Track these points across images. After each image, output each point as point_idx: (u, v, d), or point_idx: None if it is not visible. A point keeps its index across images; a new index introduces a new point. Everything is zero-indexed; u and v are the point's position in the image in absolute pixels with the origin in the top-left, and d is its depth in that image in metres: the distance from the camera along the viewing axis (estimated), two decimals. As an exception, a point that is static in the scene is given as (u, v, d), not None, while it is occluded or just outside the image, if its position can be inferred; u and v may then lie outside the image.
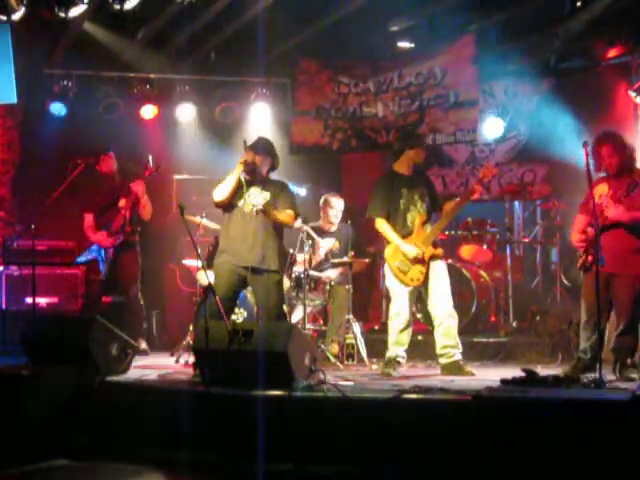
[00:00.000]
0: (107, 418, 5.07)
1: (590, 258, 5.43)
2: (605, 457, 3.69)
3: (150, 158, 7.07)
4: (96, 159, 7.31)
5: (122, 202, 7.19)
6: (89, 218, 7.32)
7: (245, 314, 7.15)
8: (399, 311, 5.97)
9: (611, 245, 5.30)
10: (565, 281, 7.88)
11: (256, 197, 5.73)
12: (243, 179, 5.70)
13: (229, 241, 5.78)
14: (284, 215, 5.77)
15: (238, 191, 5.76)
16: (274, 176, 6.03)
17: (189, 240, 5.34)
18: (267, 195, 5.77)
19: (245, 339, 4.87)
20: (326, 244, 7.29)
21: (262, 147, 5.89)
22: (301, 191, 8.93)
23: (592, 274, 5.48)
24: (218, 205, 5.84)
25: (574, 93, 8.52)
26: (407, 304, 5.98)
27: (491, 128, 8.49)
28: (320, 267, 7.20)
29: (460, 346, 5.93)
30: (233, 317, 6.82)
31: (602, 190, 5.56)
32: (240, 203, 5.76)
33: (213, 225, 7.06)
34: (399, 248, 5.93)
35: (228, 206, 5.80)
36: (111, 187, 7.36)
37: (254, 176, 5.79)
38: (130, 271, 7.33)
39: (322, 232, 7.33)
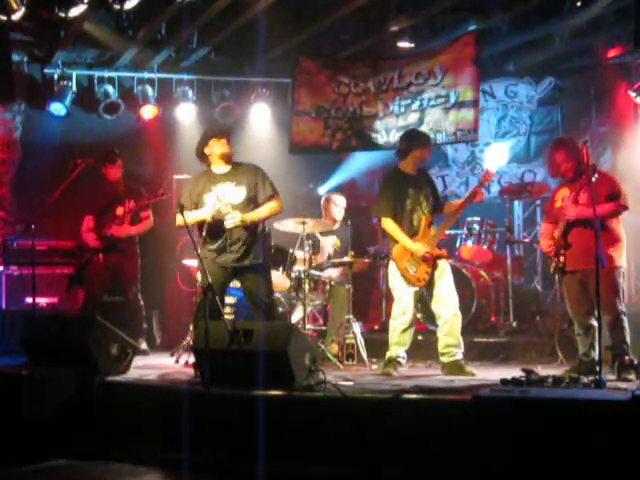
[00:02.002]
0: (107, 418, 5.08)
1: (562, 259, 5.50)
2: (605, 457, 3.69)
3: (163, 187, 7.14)
4: (102, 163, 7.31)
5: (120, 211, 7.20)
6: (89, 220, 7.32)
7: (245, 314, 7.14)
8: (403, 311, 5.96)
9: (582, 242, 5.35)
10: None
11: (231, 195, 5.60)
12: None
13: (211, 244, 5.62)
14: (268, 209, 5.65)
15: (212, 192, 5.64)
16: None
17: (189, 240, 5.33)
18: (243, 190, 5.60)
19: (245, 339, 4.87)
20: (329, 243, 7.32)
21: (224, 131, 5.78)
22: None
23: (569, 277, 5.61)
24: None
25: (574, 93, 8.53)
26: (412, 304, 5.97)
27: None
28: (321, 266, 7.20)
29: (462, 345, 5.93)
30: (231, 317, 6.83)
31: (564, 193, 5.66)
32: (217, 206, 5.59)
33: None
34: (407, 247, 5.93)
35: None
36: (113, 191, 7.36)
37: (223, 164, 5.68)
38: (130, 271, 7.34)
39: (324, 232, 7.33)
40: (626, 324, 5.46)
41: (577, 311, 5.62)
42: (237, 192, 5.63)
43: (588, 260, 5.05)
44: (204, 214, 5.58)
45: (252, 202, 5.66)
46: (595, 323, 5.37)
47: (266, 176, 5.74)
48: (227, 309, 6.86)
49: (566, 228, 5.52)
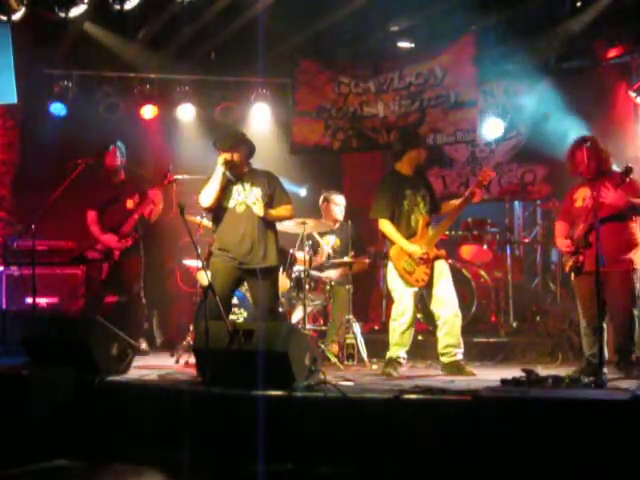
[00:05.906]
0: (107, 418, 5.07)
1: (581, 258, 5.47)
2: (605, 457, 3.69)
3: (170, 167, 7.14)
4: (99, 157, 7.34)
5: (130, 204, 7.24)
6: (92, 214, 7.36)
7: (245, 314, 7.15)
8: (403, 312, 5.96)
9: (604, 243, 5.32)
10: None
11: (247, 195, 5.69)
12: (230, 175, 5.63)
13: (225, 245, 5.70)
14: (283, 210, 5.77)
15: (226, 191, 5.70)
16: (257, 165, 5.96)
17: (189, 240, 5.33)
18: (258, 192, 5.68)
19: (245, 339, 4.87)
20: (328, 243, 7.32)
21: (234, 141, 5.77)
22: (301, 191, 8.94)
23: (584, 276, 5.53)
24: (207, 210, 5.82)
25: (574, 93, 8.52)
26: (411, 305, 5.97)
27: (491, 128, 8.51)
28: (321, 267, 7.20)
29: (462, 346, 5.93)
30: (233, 317, 6.84)
31: (584, 194, 5.61)
32: (231, 204, 5.70)
33: (213, 225, 7.06)
34: (404, 249, 5.93)
35: (216, 209, 5.74)
36: (113, 183, 7.39)
37: (238, 172, 5.71)
38: (133, 269, 7.36)
39: (322, 232, 7.33)
40: (637, 325, 5.45)
41: (589, 310, 5.54)
42: (252, 193, 5.70)
43: (610, 261, 5.08)
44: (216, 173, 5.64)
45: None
46: (605, 324, 5.39)
47: (281, 184, 5.86)
48: (234, 309, 6.90)
49: (589, 228, 5.47)
